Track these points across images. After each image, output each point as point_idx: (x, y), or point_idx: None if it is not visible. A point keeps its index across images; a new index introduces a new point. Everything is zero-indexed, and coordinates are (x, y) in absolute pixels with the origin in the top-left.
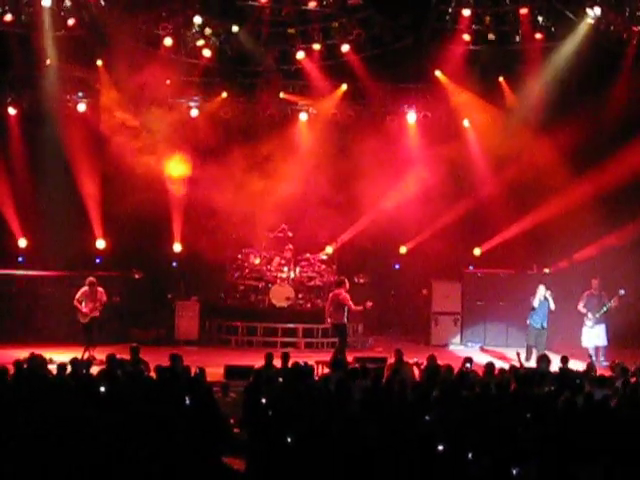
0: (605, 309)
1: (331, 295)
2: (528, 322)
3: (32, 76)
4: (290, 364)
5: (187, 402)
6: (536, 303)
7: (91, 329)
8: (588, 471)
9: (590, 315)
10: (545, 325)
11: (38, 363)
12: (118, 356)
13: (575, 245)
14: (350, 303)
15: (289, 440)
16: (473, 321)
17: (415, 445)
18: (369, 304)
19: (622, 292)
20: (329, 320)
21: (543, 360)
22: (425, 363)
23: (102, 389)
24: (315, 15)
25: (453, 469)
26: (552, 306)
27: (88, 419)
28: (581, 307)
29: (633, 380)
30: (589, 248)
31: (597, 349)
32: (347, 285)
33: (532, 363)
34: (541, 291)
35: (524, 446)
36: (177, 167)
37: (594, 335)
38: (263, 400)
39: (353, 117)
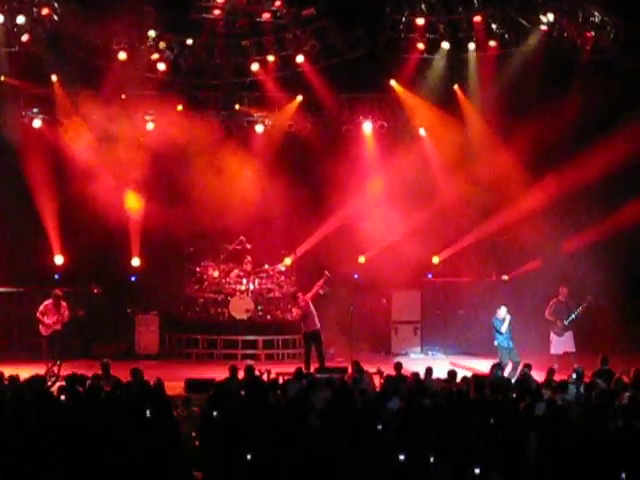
0: (574, 316)
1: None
2: (495, 343)
3: None
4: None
5: (147, 416)
6: (504, 329)
7: (54, 343)
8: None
9: (559, 323)
10: (512, 344)
11: None
12: (78, 372)
13: (533, 252)
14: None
15: (248, 456)
16: (433, 329)
17: (376, 455)
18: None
19: (589, 298)
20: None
21: (497, 368)
22: (386, 372)
23: (62, 404)
24: (269, 26)
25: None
26: (505, 330)
27: (49, 435)
28: (548, 315)
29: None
30: (547, 254)
31: (567, 355)
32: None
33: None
34: (507, 315)
35: (485, 452)
36: (132, 202)
37: (562, 342)
38: (222, 413)
39: (309, 128)
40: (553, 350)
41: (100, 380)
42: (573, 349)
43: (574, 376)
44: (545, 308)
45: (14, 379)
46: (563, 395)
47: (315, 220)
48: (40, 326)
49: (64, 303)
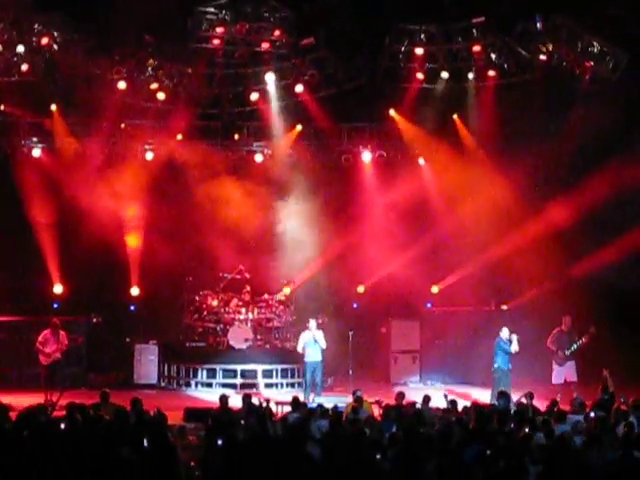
0: (575, 346)
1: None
2: (495, 366)
3: None
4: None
5: (145, 445)
6: (514, 348)
7: (54, 372)
8: None
9: (560, 352)
10: (510, 366)
11: None
12: (77, 401)
13: (532, 281)
14: None
15: None
16: (432, 359)
17: None
18: None
19: (592, 329)
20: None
21: (502, 397)
22: (386, 401)
23: (61, 433)
24: (268, 56)
25: None
26: (516, 348)
27: (48, 465)
28: (550, 344)
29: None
30: (545, 283)
31: (568, 385)
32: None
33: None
34: (512, 335)
35: None
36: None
37: (564, 372)
38: (220, 442)
39: (308, 157)
40: (554, 380)
41: (100, 409)
42: (574, 378)
43: (577, 406)
44: (545, 337)
45: (12, 409)
46: (562, 425)
47: (314, 249)
48: (40, 355)
49: (62, 332)
